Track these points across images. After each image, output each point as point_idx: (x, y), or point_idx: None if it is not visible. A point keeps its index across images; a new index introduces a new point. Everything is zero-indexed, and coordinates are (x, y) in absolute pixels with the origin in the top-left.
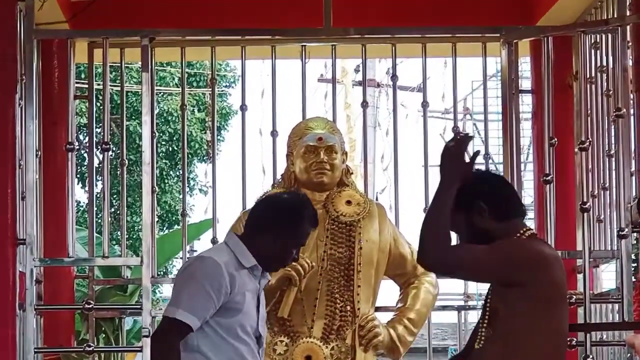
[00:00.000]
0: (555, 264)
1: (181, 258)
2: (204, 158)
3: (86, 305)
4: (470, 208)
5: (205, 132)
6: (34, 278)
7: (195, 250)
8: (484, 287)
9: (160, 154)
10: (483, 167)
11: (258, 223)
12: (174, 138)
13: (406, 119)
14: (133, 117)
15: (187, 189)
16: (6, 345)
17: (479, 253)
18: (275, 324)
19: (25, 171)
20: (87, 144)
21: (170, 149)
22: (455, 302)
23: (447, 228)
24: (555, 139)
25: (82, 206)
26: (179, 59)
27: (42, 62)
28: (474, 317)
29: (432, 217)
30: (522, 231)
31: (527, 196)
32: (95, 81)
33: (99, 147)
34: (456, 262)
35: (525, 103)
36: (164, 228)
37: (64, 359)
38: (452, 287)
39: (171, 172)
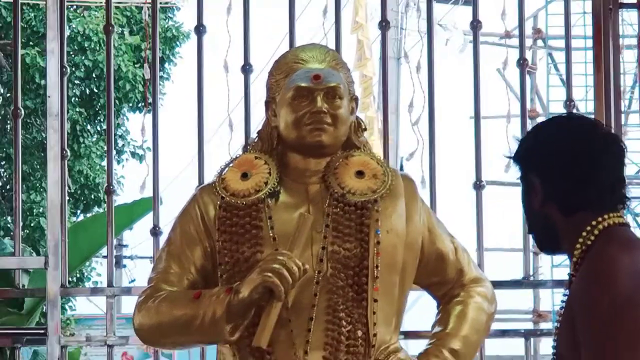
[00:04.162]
0: None
1: (105, 257)
2: (140, 106)
3: None
4: (524, 181)
5: (142, 67)
6: None
7: (125, 245)
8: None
9: (73, 100)
10: None
11: None
12: (94, 75)
13: (446, 46)
14: (31, 44)
15: (114, 153)
16: None
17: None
18: (248, 357)
19: None
20: None
21: (88, 91)
22: (521, 325)
23: None
24: None
25: None
26: None
27: None
28: (547, 345)
29: None
30: (590, 226)
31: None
32: None
33: None
34: None
35: (629, 22)
36: (78, 212)
37: None
38: (516, 301)
39: (89, 127)
